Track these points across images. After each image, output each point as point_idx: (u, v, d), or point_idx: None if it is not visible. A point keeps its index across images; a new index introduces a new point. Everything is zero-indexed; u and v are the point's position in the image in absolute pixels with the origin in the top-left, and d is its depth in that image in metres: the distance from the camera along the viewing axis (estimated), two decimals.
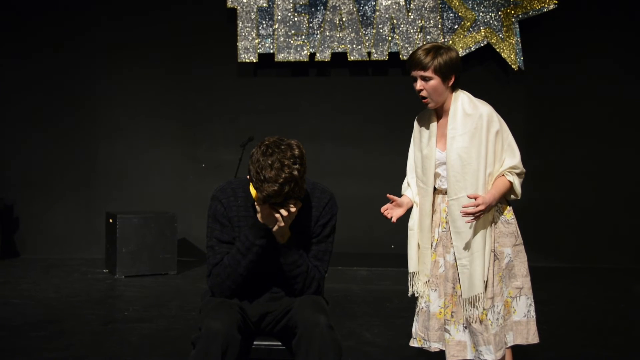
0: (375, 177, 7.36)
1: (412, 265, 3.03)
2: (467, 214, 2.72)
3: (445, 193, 2.89)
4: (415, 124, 3.02)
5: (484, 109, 2.82)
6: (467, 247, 2.81)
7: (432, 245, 2.95)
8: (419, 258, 3.00)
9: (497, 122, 2.82)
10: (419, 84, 2.81)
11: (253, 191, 2.61)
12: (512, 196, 2.90)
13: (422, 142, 2.95)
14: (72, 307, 5.19)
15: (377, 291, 5.86)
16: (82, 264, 7.11)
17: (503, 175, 2.83)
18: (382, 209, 3.01)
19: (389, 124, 7.41)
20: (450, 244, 2.88)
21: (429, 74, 2.78)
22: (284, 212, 2.44)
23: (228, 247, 2.59)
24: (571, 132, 7.32)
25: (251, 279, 2.59)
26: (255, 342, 2.65)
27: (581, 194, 7.28)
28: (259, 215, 2.50)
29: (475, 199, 2.71)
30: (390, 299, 5.55)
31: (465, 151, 2.79)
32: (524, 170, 2.88)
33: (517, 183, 2.83)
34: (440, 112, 2.91)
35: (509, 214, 2.89)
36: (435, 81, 2.79)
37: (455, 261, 2.85)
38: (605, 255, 7.16)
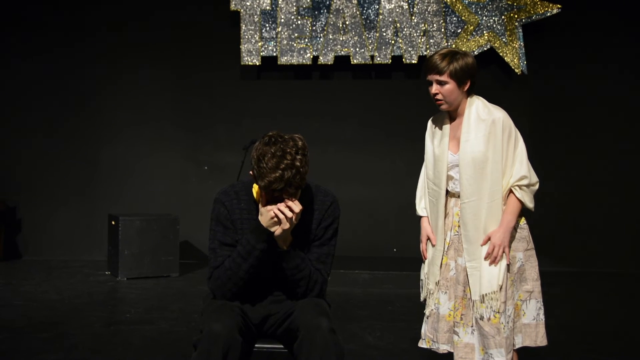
0: (377, 180, 7.37)
1: (424, 274, 3.06)
2: (493, 261, 2.79)
3: (458, 196, 2.90)
4: (429, 124, 3.05)
5: (498, 115, 2.84)
6: (477, 250, 2.82)
7: (443, 248, 2.96)
8: (431, 260, 3.00)
9: (511, 128, 2.84)
10: (435, 88, 2.84)
11: (256, 193, 2.62)
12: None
13: (434, 142, 2.97)
14: (74, 309, 5.20)
15: (379, 294, 5.86)
16: (84, 265, 7.12)
17: (512, 191, 2.84)
18: (422, 250, 3.08)
19: (392, 128, 7.42)
20: (462, 247, 2.89)
21: (444, 78, 2.81)
22: (285, 209, 2.43)
23: (230, 250, 2.59)
24: (575, 136, 7.31)
25: (253, 282, 2.59)
26: (257, 345, 2.64)
27: (584, 197, 7.27)
28: (261, 218, 2.50)
29: (490, 238, 2.79)
30: (392, 302, 5.54)
31: (478, 155, 2.81)
32: (537, 179, 2.87)
33: (526, 199, 2.84)
34: (453, 115, 2.93)
35: (521, 219, 2.91)
36: (450, 85, 2.81)
37: (466, 264, 2.86)
38: (608, 259, 7.15)
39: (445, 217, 2.96)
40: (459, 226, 2.91)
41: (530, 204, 2.86)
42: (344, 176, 7.26)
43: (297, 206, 2.45)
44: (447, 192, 2.96)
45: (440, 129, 2.96)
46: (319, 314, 2.45)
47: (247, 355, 2.59)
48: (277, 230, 2.48)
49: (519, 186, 2.83)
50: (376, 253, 7.18)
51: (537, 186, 2.88)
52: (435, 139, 2.98)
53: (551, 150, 7.31)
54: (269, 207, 2.47)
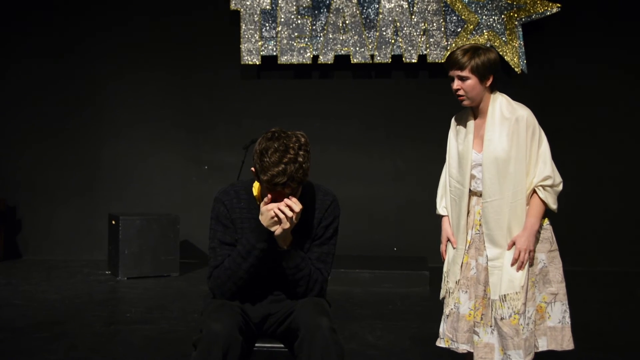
0: (377, 179, 7.36)
1: (445, 272, 3.04)
2: (520, 266, 2.77)
3: (480, 195, 2.88)
4: (453, 122, 3.03)
5: (522, 113, 2.82)
6: (500, 249, 2.81)
7: (465, 247, 2.94)
8: (452, 259, 2.98)
9: (535, 127, 2.82)
10: (456, 84, 2.83)
11: (256, 193, 2.61)
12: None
13: (458, 139, 2.95)
14: (74, 308, 5.20)
15: (380, 294, 5.86)
16: (84, 265, 7.12)
17: (535, 192, 2.81)
18: (442, 251, 3.06)
19: (392, 127, 7.41)
20: (483, 246, 2.86)
21: (465, 73, 2.79)
22: (285, 209, 2.43)
23: (230, 249, 2.59)
24: (575, 135, 7.29)
25: (253, 282, 2.59)
26: (257, 344, 2.64)
27: (585, 196, 7.25)
28: (261, 217, 2.50)
29: (515, 243, 2.77)
30: (392, 301, 5.54)
31: (501, 154, 2.79)
32: (560, 179, 2.84)
33: (550, 200, 2.82)
34: (476, 113, 2.91)
35: (544, 220, 2.88)
36: (472, 81, 2.80)
37: (487, 263, 2.84)
38: (608, 258, 7.14)
39: (467, 216, 2.93)
40: (480, 225, 2.88)
41: (553, 205, 2.83)
42: (344, 175, 7.25)
43: (297, 205, 2.45)
44: (469, 190, 2.93)
45: (465, 126, 2.93)
46: (319, 314, 2.45)
47: (248, 355, 2.58)
48: (277, 229, 2.47)
49: (543, 186, 2.80)
50: (376, 252, 7.17)
51: (560, 187, 2.85)
52: (459, 137, 2.95)
53: (551, 150, 7.29)
54: (269, 207, 2.46)
